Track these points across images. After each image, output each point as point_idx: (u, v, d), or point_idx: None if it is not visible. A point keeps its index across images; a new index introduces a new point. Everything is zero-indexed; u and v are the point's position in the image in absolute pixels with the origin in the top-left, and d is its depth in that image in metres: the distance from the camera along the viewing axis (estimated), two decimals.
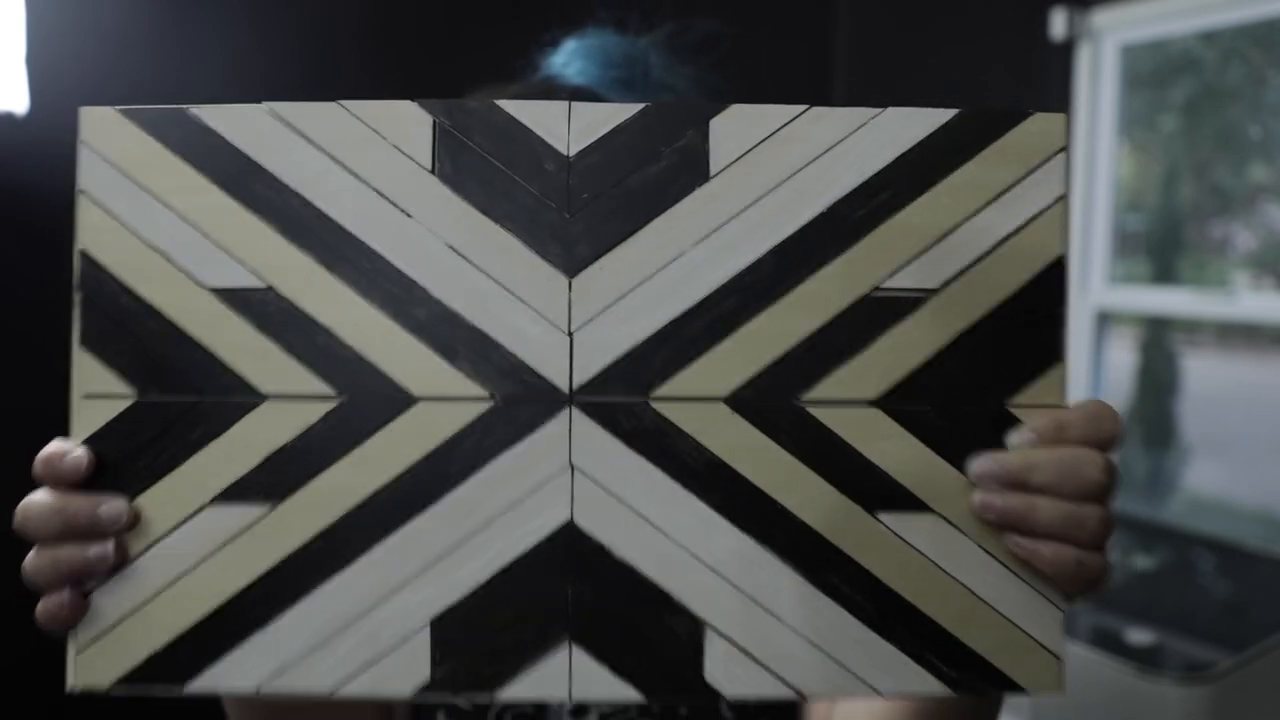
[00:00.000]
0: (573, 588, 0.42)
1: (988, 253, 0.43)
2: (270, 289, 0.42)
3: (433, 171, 0.43)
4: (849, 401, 0.42)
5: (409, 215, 0.43)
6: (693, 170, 0.43)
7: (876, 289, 0.42)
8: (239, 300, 0.42)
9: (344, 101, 0.48)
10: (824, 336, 0.42)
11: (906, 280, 0.42)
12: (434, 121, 0.45)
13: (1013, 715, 1.35)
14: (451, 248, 0.42)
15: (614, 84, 0.76)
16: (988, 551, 0.43)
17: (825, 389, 0.42)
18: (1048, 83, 2.11)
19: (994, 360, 0.43)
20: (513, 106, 0.43)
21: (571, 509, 0.42)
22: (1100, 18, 2.03)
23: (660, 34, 0.80)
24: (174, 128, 0.46)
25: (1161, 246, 2.17)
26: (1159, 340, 2.22)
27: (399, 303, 0.42)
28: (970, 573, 0.42)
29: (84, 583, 0.43)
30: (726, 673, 0.42)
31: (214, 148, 0.45)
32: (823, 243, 0.43)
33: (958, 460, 0.42)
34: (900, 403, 0.42)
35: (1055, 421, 0.43)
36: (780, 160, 0.44)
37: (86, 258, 0.43)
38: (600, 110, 0.43)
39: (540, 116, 0.43)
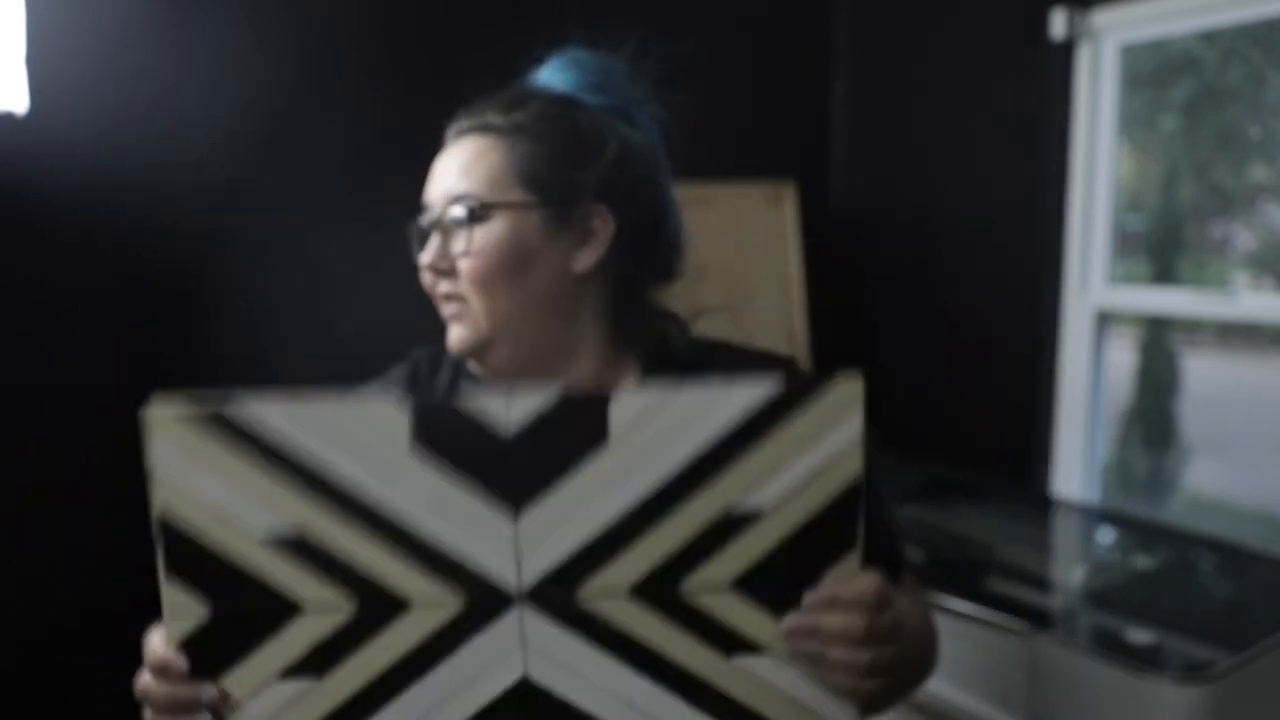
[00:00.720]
0: (530, 718, 0.64)
1: (808, 480, 0.62)
2: (300, 534, 0.61)
3: (409, 450, 0.61)
4: (712, 587, 0.63)
5: (395, 480, 0.61)
6: (596, 437, 0.61)
7: (729, 510, 0.62)
8: (278, 544, 0.61)
9: (352, 397, 0.63)
10: (694, 545, 0.63)
11: (750, 503, 0.62)
12: (410, 416, 0.61)
13: (1011, 717, 1.35)
14: (428, 500, 0.62)
15: (589, 89, 0.96)
16: (806, 676, 0.64)
17: (696, 580, 0.63)
18: (1048, 82, 2.11)
19: (811, 550, 0.63)
20: (469, 403, 0.62)
21: (525, 667, 0.63)
22: (1100, 17, 2.03)
23: (627, 52, 1.00)
24: (213, 420, 0.62)
25: (1162, 246, 2.17)
26: (1159, 340, 2.21)
27: (393, 538, 0.62)
28: (797, 690, 0.65)
29: None
30: None
31: (246, 432, 0.61)
32: (689, 482, 0.62)
33: (783, 618, 0.64)
34: (748, 584, 0.63)
35: (830, 593, 0.64)
36: (657, 428, 0.62)
37: (163, 520, 0.61)
38: (529, 398, 0.61)
39: (489, 406, 0.61)
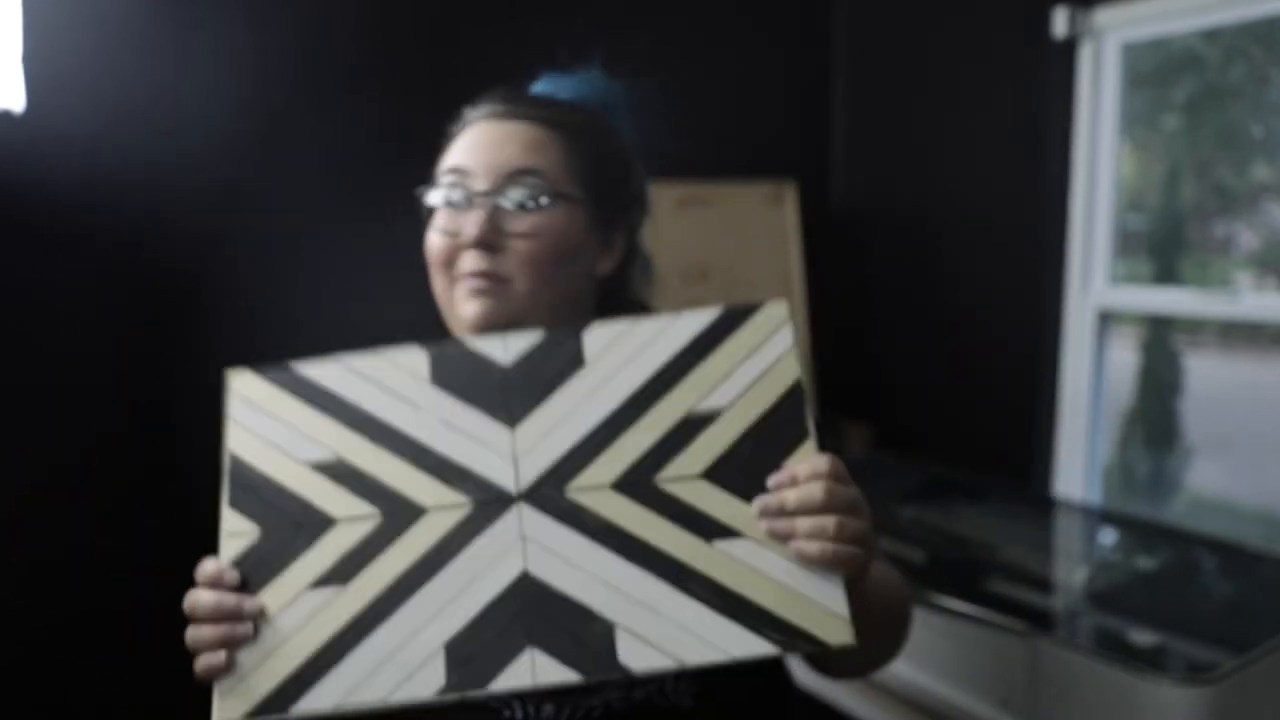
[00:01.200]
0: (530, 612, 0.69)
1: (753, 382, 0.74)
2: (340, 459, 0.74)
3: (431, 382, 0.76)
4: (684, 477, 0.72)
5: (418, 408, 0.75)
6: (574, 362, 0.76)
7: (690, 412, 0.74)
8: (322, 468, 0.74)
9: (384, 351, 0.78)
10: (664, 442, 0.73)
11: (706, 404, 0.74)
12: (429, 356, 0.77)
13: (1013, 718, 1.34)
14: (443, 422, 0.75)
15: (609, 108, 1.00)
16: (784, 556, 0.70)
17: (669, 472, 0.73)
18: (1049, 81, 2.10)
19: (768, 442, 0.73)
20: (472, 342, 0.77)
21: (525, 562, 0.71)
22: (1102, 16, 2.02)
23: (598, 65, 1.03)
24: (283, 376, 0.77)
25: (1164, 246, 2.16)
26: (1161, 340, 2.21)
27: (415, 456, 0.74)
28: (778, 571, 0.70)
29: (232, 648, 0.70)
30: (631, 655, 0.68)
31: (307, 385, 0.76)
32: (653, 391, 0.74)
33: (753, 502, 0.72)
34: (716, 474, 0.72)
35: (789, 473, 0.72)
36: (623, 352, 0.76)
37: (233, 456, 0.75)
38: (521, 337, 0.77)
39: (488, 346, 0.77)
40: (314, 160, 1.87)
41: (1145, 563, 1.68)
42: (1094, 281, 2.12)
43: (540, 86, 1.01)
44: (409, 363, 0.76)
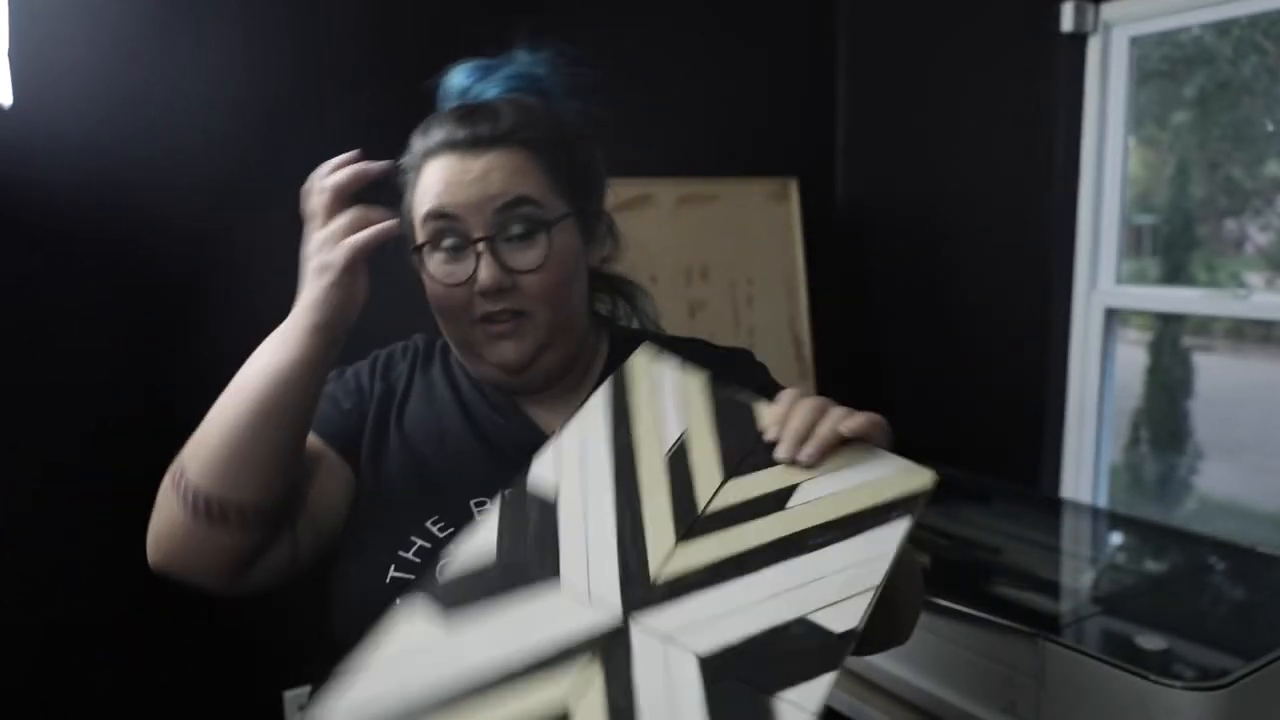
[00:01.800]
0: (740, 678, 0.65)
1: (682, 401, 0.83)
2: None
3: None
4: (717, 491, 0.75)
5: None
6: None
7: (669, 456, 0.78)
8: None
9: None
10: (677, 489, 0.77)
11: (671, 437, 0.79)
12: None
13: None
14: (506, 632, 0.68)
15: (560, 93, 1.00)
16: (842, 470, 0.76)
17: (700, 496, 0.76)
18: (1056, 76, 2.08)
19: (737, 423, 0.81)
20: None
21: (692, 650, 0.66)
22: (1110, 10, 2.00)
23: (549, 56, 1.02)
24: None
25: (1173, 245, 2.13)
26: (1171, 340, 2.18)
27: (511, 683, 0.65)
28: (848, 482, 0.75)
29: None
30: (838, 622, 0.67)
31: None
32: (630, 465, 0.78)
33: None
34: (731, 469, 0.77)
35: (772, 416, 0.79)
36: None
37: None
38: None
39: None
40: (310, 158, 1.85)
41: (1154, 566, 1.66)
42: (1101, 280, 2.09)
43: (463, 79, 0.98)
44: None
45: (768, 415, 0.80)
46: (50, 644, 1.70)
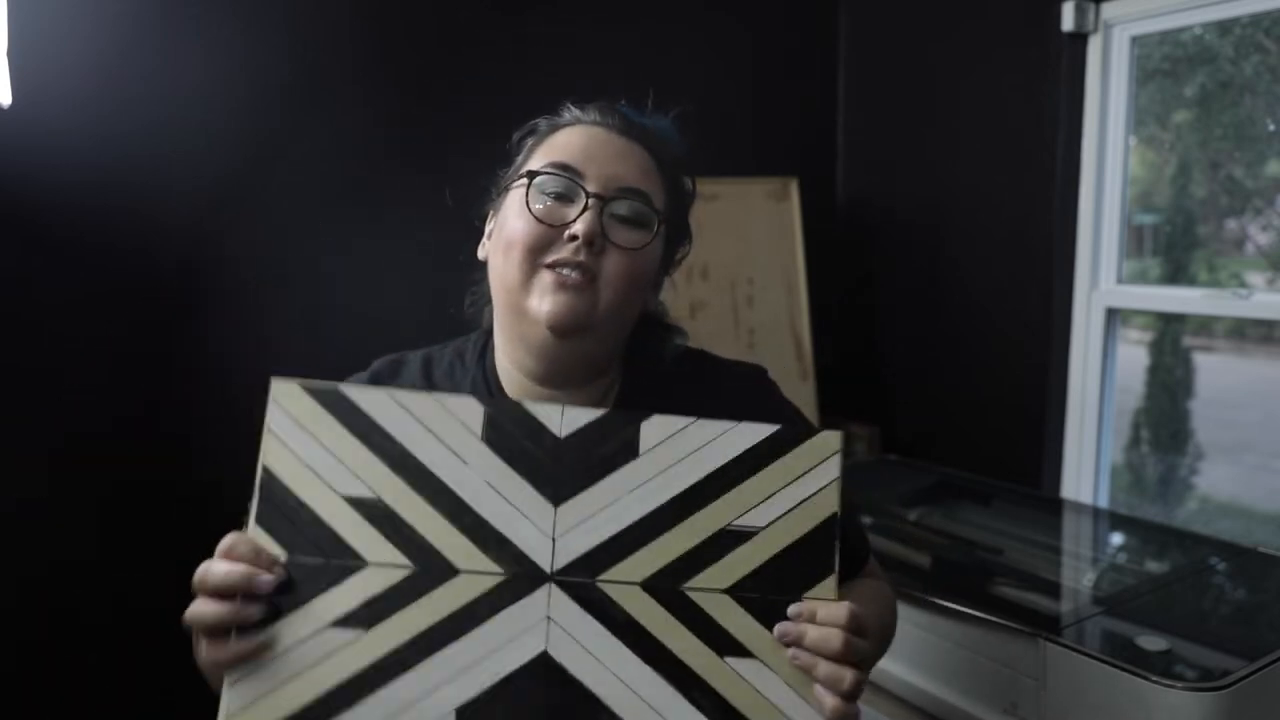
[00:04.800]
0: (543, 693, 0.71)
1: (793, 507, 0.75)
2: (379, 499, 0.73)
3: (481, 439, 0.74)
4: (710, 590, 0.74)
5: (465, 463, 0.74)
6: (628, 451, 0.75)
7: (728, 525, 0.75)
8: (358, 504, 0.72)
9: (438, 395, 0.76)
10: (698, 551, 0.74)
11: (745, 520, 0.75)
12: (485, 412, 0.75)
13: None
14: (488, 483, 0.74)
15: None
16: (787, 684, 0.73)
17: (697, 581, 0.74)
18: (1057, 75, 2.07)
19: (795, 569, 0.75)
20: (531, 407, 0.75)
21: (546, 643, 0.72)
22: (1111, 9, 2.00)
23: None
24: (329, 396, 0.74)
25: (1174, 244, 2.13)
26: (1172, 340, 2.18)
27: (455, 512, 0.73)
28: (779, 698, 0.73)
29: (239, 631, 0.68)
30: None
31: (353, 411, 0.74)
32: (698, 498, 0.75)
33: (769, 627, 0.74)
34: (740, 591, 0.74)
35: (811, 609, 0.74)
36: (676, 450, 0.75)
37: (267, 470, 0.72)
38: (579, 412, 0.75)
39: (546, 413, 0.75)
40: (307, 157, 1.86)
41: (1155, 567, 1.66)
42: (1102, 280, 2.09)
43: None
44: (463, 413, 0.75)
45: (819, 593, 0.76)
46: (50, 641, 1.69)
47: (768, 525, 0.75)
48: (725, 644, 0.73)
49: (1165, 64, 2.06)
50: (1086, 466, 2.11)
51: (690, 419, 0.76)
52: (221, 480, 1.76)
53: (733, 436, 0.76)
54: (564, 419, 0.75)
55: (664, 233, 0.93)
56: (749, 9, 2.45)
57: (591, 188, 0.88)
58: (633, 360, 0.99)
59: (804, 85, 2.59)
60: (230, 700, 0.68)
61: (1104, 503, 2.10)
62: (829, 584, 0.75)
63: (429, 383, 0.98)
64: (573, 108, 0.97)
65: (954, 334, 2.37)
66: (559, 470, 0.74)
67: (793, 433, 0.77)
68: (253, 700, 0.68)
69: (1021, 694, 1.33)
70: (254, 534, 0.71)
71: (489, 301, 0.98)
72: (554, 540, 0.73)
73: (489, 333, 0.99)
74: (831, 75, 2.62)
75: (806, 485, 0.76)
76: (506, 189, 0.94)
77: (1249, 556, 1.63)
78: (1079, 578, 1.62)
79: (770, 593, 0.74)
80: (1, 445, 1.62)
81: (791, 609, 0.74)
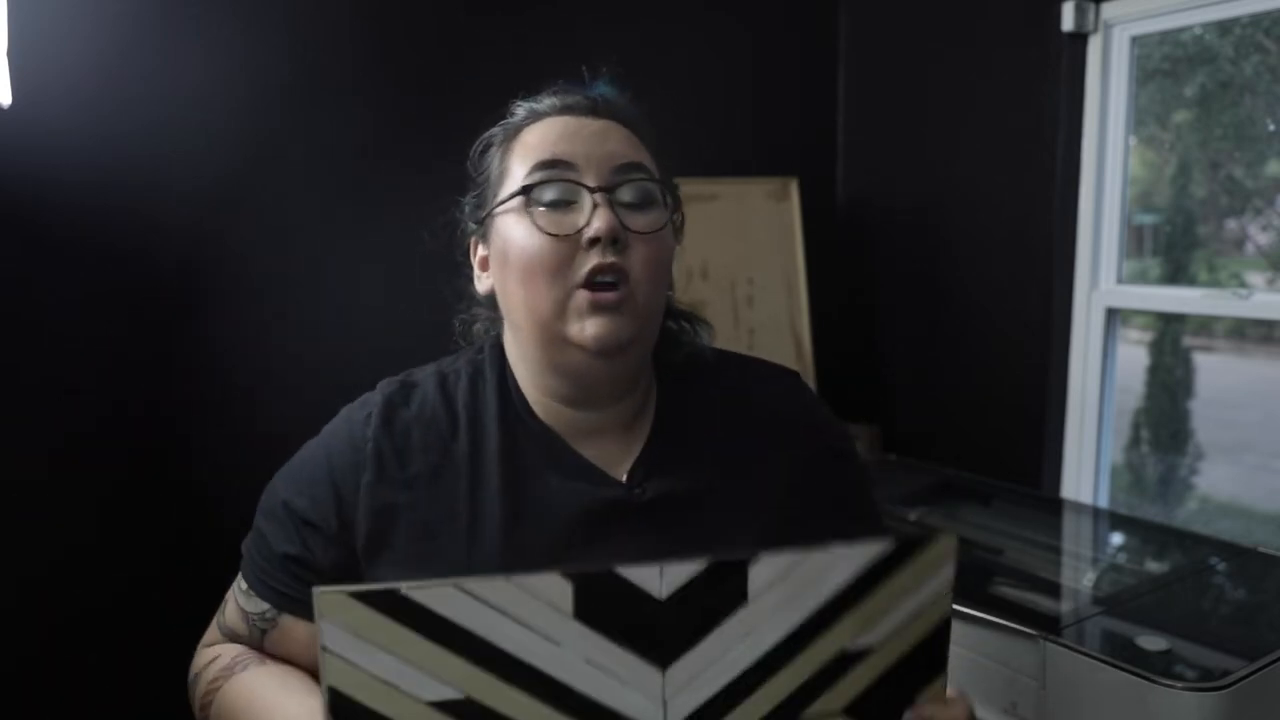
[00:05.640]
0: None
1: (908, 620, 0.71)
2: (469, 698, 0.65)
3: (574, 617, 0.66)
4: (828, 714, 0.71)
5: (559, 645, 0.66)
6: (736, 598, 0.68)
7: (844, 649, 0.71)
8: (447, 708, 0.65)
9: (514, 578, 0.66)
10: (813, 680, 0.70)
11: (861, 641, 0.71)
12: (574, 588, 0.66)
13: None
14: (587, 661, 0.67)
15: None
16: None
17: (815, 708, 0.71)
18: (1057, 75, 2.07)
19: (909, 676, 0.72)
20: (626, 573, 0.66)
21: None
22: (1111, 9, 2.00)
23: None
24: (384, 599, 0.64)
25: (1174, 244, 2.13)
26: (1172, 340, 2.18)
27: (556, 696, 0.66)
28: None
29: None
30: None
31: (417, 611, 0.64)
32: (813, 629, 0.70)
33: None
34: (856, 709, 0.71)
35: (931, 713, 0.72)
36: (788, 589, 0.69)
37: (335, 692, 0.64)
38: (679, 569, 0.67)
39: (644, 577, 0.67)
40: (308, 157, 1.86)
41: (1155, 566, 1.66)
42: (1102, 280, 2.09)
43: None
44: (549, 592, 0.67)
45: (929, 695, 0.74)
46: (50, 638, 1.69)
47: (883, 642, 0.71)
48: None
49: (1165, 64, 2.06)
50: (1086, 466, 2.11)
51: (799, 552, 0.69)
52: (221, 480, 1.77)
53: (847, 560, 0.70)
54: (664, 580, 0.68)
55: (669, 202, 0.86)
56: (749, 9, 2.45)
57: (590, 181, 0.81)
58: (664, 369, 0.94)
59: (804, 85, 2.59)
60: None
61: (1104, 503, 2.10)
62: (939, 684, 0.73)
63: (449, 404, 0.88)
64: (523, 104, 0.90)
65: (954, 334, 2.37)
66: (664, 633, 0.68)
67: (907, 546, 0.71)
68: None
69: (1021, 694, 1.33)
70: None
71: (491, 329, 0.93)
72: (665, 703, 0.68)
73: (502, 350, 0.91)
74: (831, 75, 2.61)
75: (921, 596, 0.72)
76: (492, 214, 0.86)
77: (1249, 556, 1.63)
78: (1079, 578, 1.62)
79: (885, 705, 0.72)
80: (1, 445, 1.62)
81: (907, 715, 0.72)
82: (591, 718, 0.67)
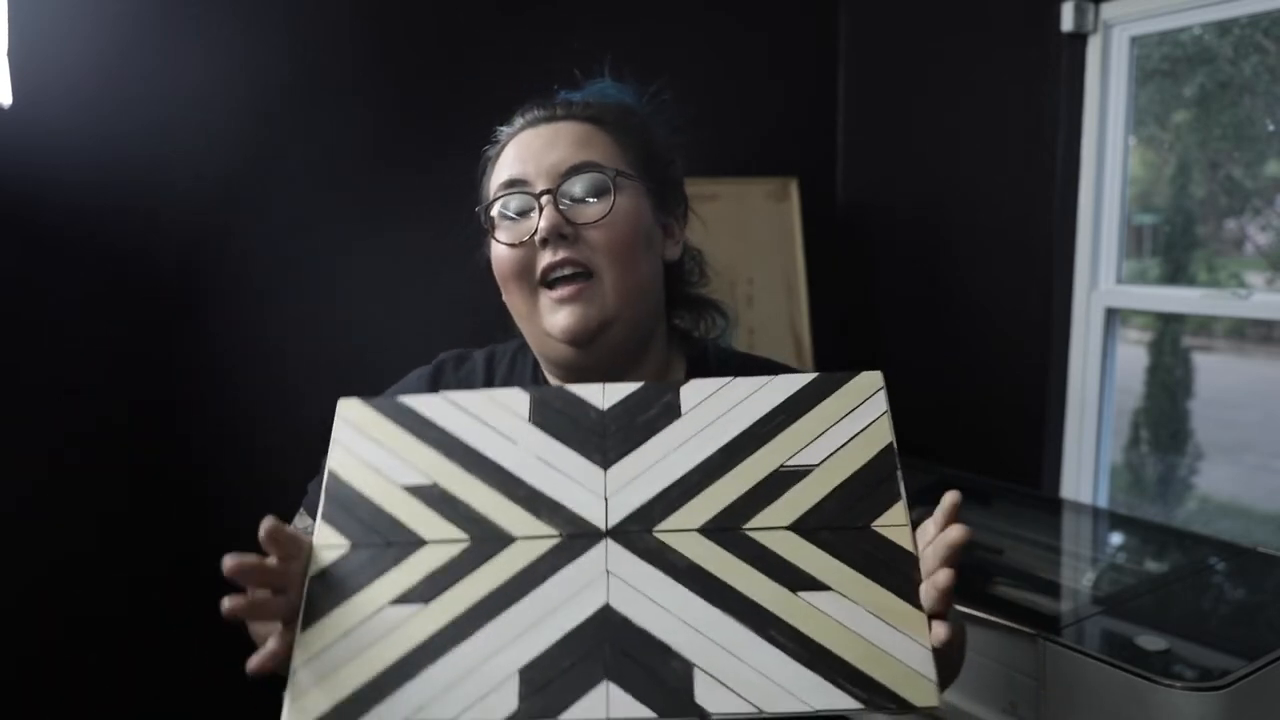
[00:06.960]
0: (608, 645, 0.69)
1: (845, 443, 0.76)
2: (434, 484, 0.76)
3: (529, 421, 0.79)
4: (772, 528, 0.73)
5: (515, 442, 0.78)
6: (670, 413, 0.78)
7: (781, 466, 0.75)
8: (416, 491, 0.76)
9: (487, 390, 0.81)
10: (753, 493, 0.74)
11: (798, 460, 0.76)
12: (530, 397, 0.80)
13: None
14: (538, 457, 0.77)
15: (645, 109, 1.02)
16: (873, 614, 0.69)
17: (757, 522, 0.74)
18: (1057, 76, 2.08)
19: (860, 500, 0.74)
20: (573, 388, 0.79)
21: (607, 596, 0.71)
22: (1110, 9, 2.00)
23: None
24: (388, 405, 0.80)
25: (1174, 244, 2.13)
26: (1171, 340, 2.18)
27: (507, 486, 0.76)
28: (864, 627, 0.69)
29: (260, 617, 0.71)
30: (709, 697, 0.66)
31: (409, 414, 0.80)
32: (747, 445, 0.76)
33: (843, 559, 0.71)
34: (805, 526, 0.73)
35: (945, 512, 0.70)
36: (718, 406, 0.78)
37: (332, 474, 0.77)
38: (619, 386, 0.79)
39: (587, 391, 0.79)
40: (308, 157, 1.86)
41: (1154, 566, 1.66)
42: (1102, 280, 2.09)
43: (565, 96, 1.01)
44: (510, 401, 0.80)
45: (889, 519, 0.73)
46: (50, 641, 1.69)
47: (822, 461, 0.75)
48: (796, 579, 0.71)
49: (1164, 64, 2.06)
50: (1086, 466, 2.11)
51: (728, 378, 0.78)
52: (221, 480, 1.77)
53: (773, 387, 0.78)
54: (605, 395, 0.79)
55: (636, 184, 0.92)
56: (749, 9, 2.45)
57: (539, 186, 0.89)
58: (693, 365, 1.00)
59: (804, 85, 2.59)
60: (294, 687, 0.69)
61: (1104, 503, 2.10)
62: (898, 510, 0.73)
63: (490, 375, 1.00)
64: (503, 128, 0.98)
65: (954, 333, 2.37)
66: (606, 438, 0.77)
67: (833, 377, 0.78)
68: (315, 683, 0.69)
69: (1021, 694, 1.33)
70: (320, 530, 0.75)
71: None
72: (606, 499, 0.74)
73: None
74: (831, 75, 2.61)
75: (856, 421, 0.77)
76: (483, 234, 0.96)
77: (1249, 556, 1.63)
78: (1079, 578, 1.62)
79: (837, 525, 0.73)
80: (1, 445, 1.62)
81: (930, 551, 0.70)
82: (537, 507, 0.75)
